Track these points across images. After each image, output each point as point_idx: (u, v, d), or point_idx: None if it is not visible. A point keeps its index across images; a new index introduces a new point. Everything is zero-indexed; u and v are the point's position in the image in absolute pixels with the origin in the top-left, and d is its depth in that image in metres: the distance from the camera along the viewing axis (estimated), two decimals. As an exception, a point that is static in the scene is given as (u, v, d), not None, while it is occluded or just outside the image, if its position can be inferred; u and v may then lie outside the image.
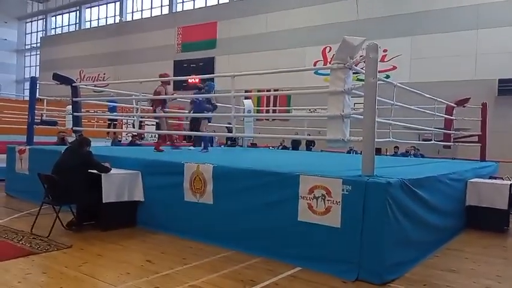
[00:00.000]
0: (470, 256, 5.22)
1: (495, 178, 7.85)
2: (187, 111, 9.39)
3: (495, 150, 10.87)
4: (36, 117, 9.06)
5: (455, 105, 9.31)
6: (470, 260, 5.06)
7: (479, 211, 6.61)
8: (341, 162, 7.59)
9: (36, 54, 42.06)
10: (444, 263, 4.85)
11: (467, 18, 18.44)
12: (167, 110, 9.00)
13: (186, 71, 26.21)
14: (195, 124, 9.24)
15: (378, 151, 14.66)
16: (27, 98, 10.28)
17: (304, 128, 14.25)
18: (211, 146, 9.80)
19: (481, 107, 9.41)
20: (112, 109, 14.47)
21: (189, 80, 21.41)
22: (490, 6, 18.03)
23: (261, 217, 4.91)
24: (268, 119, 20.00)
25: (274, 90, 20.65)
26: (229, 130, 8.01)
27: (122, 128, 16.64)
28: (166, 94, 8.37)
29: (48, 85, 10.11)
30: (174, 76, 25.38)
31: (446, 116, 9.09)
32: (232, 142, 16.38)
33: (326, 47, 21.71)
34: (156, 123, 10.84)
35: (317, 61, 21.93)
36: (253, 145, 17.10)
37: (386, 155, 13.79)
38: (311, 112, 14.99)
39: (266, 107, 22.48)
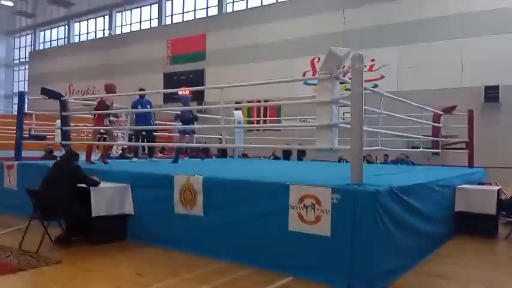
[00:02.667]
0: (460, 262, 5.26)
1: (483, 184, 7.93)
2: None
3: (483, 156, 11.01)
4: (24, 132, 8.99)
5: (442, 113, 9.45)
6: (460, 266, 5.10)
7: (468, 217, 6.66)
8: (331, 171, 7.64)
9: (25, 69, 41.89)
10: (434, 269, 4.88)
11: (453, 27, 18.78)
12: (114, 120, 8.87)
13: (176, 84, 26.31)
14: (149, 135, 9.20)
15: (368, 159, 14.78)
16: (16, 113, 10.21)
17: (294, 137, 14.29)
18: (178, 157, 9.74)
19: (467, 114, 9.54)
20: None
21: (179, 93, 21.42)
22: (475, 15, 18.40)
23: (252, 228, 4.91)
24: (258, 130, 20.05)
25: (264, 101, 20.75)
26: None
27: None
28: (111, 103, 8.30)
29: (37, 99, 10.08)
30: (164, 88, 25.52)
31: (433, 123, 9.21)
32: (221, 153, 16.36)
33: (315, 58, 21.94)
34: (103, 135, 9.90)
35: (306, 71, 22.12)
36: (244, 155, 17.11)
37: (377, 163, 13.87)
38: (301, 122, 15.06)
39: (256, 117, 22.57)
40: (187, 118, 9.26)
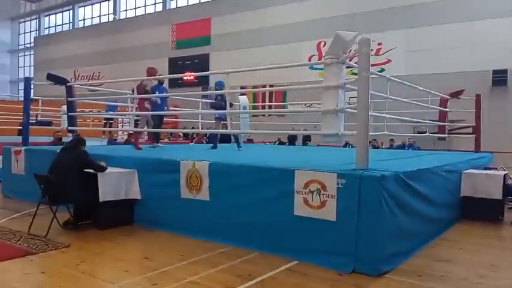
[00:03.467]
0: (465, 246, 5.28)
1: (490, 169, 7.90)
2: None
3: (490, 141, 10.94)
4: (31, 118, 9.04)
5: (449, 97, 9.37)
6: (465, 250, 5.12)
7: (474, 202, 6.66)
8: (337, 156, 7.62)
9: (30, 54, 41.91)
10: (439, 254, 4.90)
11: (461, 10, 18.50)
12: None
13: (181, 68, 26.21)
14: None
15: (374, 144, 14.74)
16: (21, 99, 10.26)
17: (300, 123, 14.28)
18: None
19: (475, 98, 9.45)
20: (111, 108, 14.42)
21: (184, 78, 21.38)
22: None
23: (257, 212, 4.94)
24: (264, 115, 20.01)
25: (270, 86, 20.68)
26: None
27: (117, 127, 16.65)
28: (150, 88, 8.33)
29: (43, 85, 10.10)
30: (169, 74, 25.44)
31: (440, 108, 9.14)
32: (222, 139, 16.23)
33: (321, 42, 21.73)
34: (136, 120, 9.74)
35: (312, 56, 21.94)
36: (250, 141, 17.12)
37: (382, 148, 13.84)
38: (307, 107, 15.03)
39: (262, 102, 22.49)
40: (220, 106, 8.70)
